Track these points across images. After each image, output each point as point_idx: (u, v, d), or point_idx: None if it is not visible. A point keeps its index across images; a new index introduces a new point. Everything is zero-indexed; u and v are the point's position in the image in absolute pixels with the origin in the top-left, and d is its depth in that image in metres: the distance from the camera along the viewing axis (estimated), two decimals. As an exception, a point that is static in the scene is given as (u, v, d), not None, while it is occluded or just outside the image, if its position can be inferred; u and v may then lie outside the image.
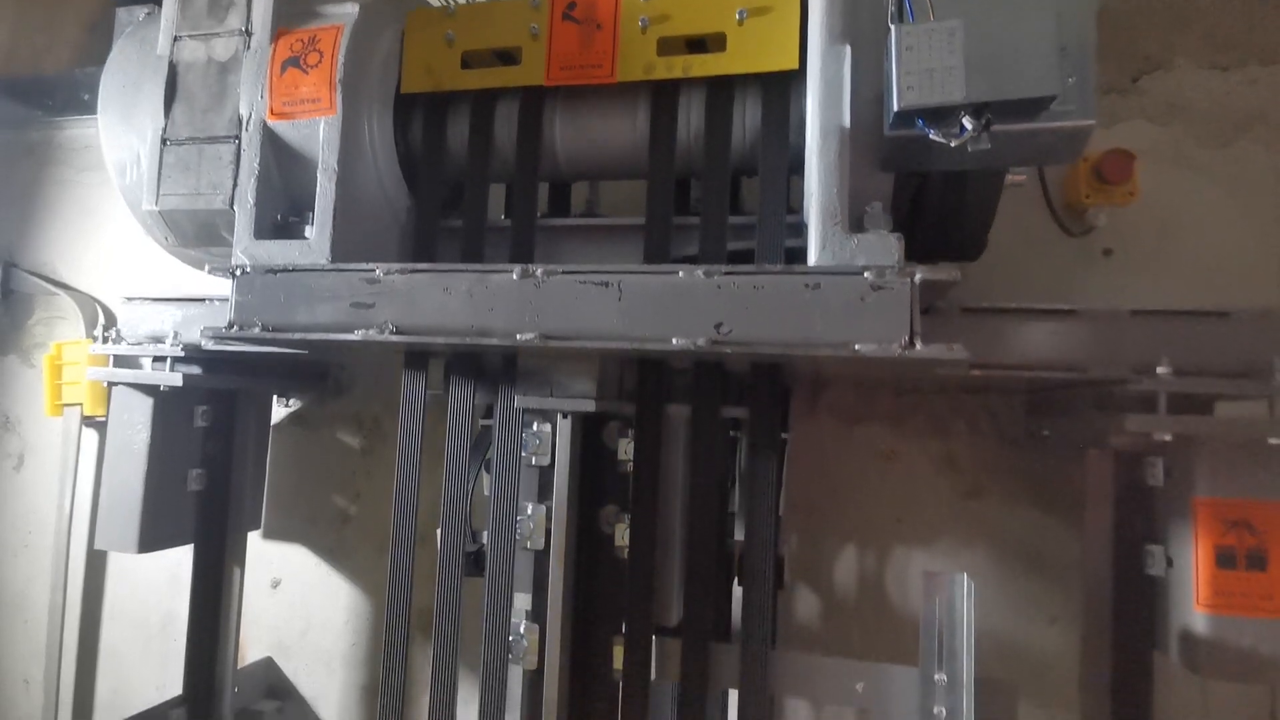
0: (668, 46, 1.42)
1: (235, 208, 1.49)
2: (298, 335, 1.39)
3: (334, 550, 2.41)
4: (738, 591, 1.58)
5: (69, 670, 2.52)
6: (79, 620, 2.54)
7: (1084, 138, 1.16)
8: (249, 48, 1.52)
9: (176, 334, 1.90)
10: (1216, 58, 1.92)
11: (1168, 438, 1.34)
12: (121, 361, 1.93)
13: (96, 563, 2.58)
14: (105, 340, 1.97)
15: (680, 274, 1.23)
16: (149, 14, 1.70)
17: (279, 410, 2.43)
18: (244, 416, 2.13)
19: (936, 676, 1.34)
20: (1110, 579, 1.60)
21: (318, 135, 1.46)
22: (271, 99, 1.48)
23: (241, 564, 2.14)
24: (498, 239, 1.58)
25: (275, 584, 2.44)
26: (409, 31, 1.56)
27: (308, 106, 1.47)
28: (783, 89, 1.42)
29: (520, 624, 1.49)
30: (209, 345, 1.83)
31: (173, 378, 1.84)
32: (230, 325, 1.43)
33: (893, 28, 1.11)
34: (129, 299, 1.97)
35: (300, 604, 2.42)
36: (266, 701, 2.34)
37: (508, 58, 1.55)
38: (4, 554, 2.69)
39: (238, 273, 1.43)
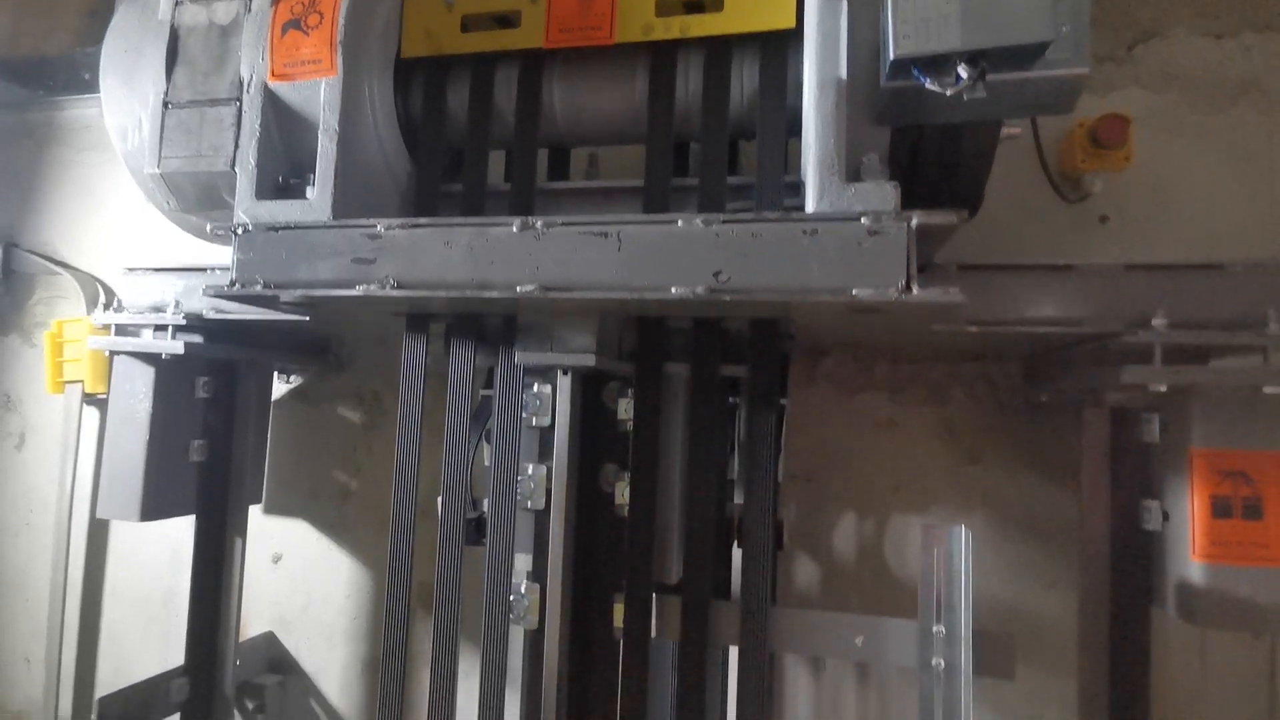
0: (666, 7, 1.43)
1: (237, 169, 1.50)
2: (299, 292, 1.39)
3: (335, 526, 2.42)
4: (737, 556, 1.59)
5: (70, 649, 2.53)
6: (80, 599, 2.56)
7: (1078, 86, 1.17)
8: (250, 10, 1.53)
9: (178, 303, 1.91)
10: (1211, 25, 1.93)
11: (1163, 388, 1.35)
12: (123, 331, 1.94)
13: (98, 541, 2.59)
14: (107, 309, 1.98)
15: (679, 223, 1.24)
16: (150, -20, 1.71)
17: (280, 386, 2.44)
18: (245, 389, 2.14)
19: (935, 629, 1.35)
20: (1107, 536, 1.61)
21: (318, 96, 1.47)
22: (272, 61, 1.49)
23: (243, 536, 2.15)
24: (497, 204, 1.59)
25: (276, 559, 2.45)
26: (409, -5, 1.57)
27: (309, 68, 1.47)
28: (780, 49, 1.43)
29: (521, 584, 1.49)
30: (211, 305, 1.84)
31: (174, 346, 1.84)
32: (232, 283, 1.44)
33: (889, -25, 1.12)
34: (130, 269, 1.98)
35: (301, 579, 2.43)
36: (268, 675, 2.35)
37: (506, 21, 1.56)
38: (5, 533, 2.70)
39: (239, 231, 1.44)
